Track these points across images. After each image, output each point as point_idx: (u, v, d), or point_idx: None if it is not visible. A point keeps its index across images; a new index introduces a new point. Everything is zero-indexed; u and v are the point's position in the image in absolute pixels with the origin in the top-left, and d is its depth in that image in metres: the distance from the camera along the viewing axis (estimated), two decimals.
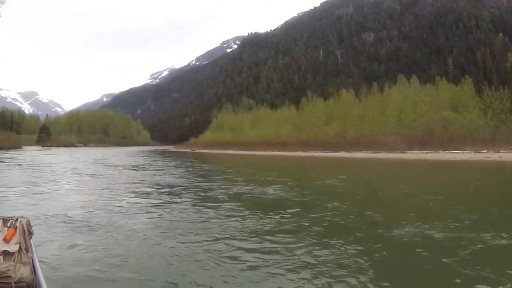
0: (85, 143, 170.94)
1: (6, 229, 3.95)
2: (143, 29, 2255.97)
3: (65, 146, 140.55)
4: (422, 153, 57.86)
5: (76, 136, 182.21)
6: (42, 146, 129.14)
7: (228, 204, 14.56)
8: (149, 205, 14.22)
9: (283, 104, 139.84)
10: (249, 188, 19.71)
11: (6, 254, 3.71)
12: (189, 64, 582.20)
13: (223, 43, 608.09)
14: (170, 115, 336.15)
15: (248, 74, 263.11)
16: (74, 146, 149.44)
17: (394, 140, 64.17)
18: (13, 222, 4.00)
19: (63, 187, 19.38)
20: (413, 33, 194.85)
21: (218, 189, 19.42)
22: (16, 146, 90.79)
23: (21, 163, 37.52)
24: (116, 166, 37.81)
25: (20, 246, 3.80)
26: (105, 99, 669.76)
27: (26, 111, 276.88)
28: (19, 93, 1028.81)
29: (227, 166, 40.86)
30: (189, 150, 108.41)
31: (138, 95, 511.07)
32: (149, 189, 19.39)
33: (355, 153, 61.92)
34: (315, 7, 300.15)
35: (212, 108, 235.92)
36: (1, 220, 4.02)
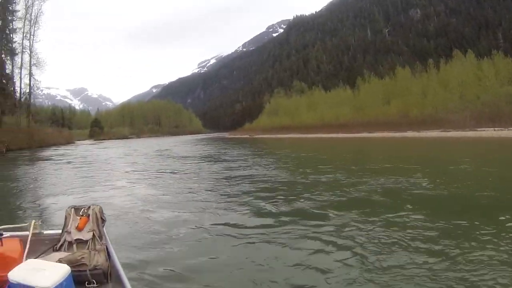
0: (138, 134, 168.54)
1: (78, 217, 4.10)
2: (187, 19, 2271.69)
3: (118, 138, 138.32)
4: (494, 130, 54.32)
5: (128, 128, 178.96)
6: (95, 140, 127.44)
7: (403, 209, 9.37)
8: (266, 212, 9.69)
9: (334, 85, 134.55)
10: (393, 180, 13.98)
11: (79, 242, 3.86)
12: (236, 51, 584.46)
13: (268, 27, 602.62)
14: (221, 102, 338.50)
15: (296, 57, 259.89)
16: (127, 138, 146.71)
17: (462, 117, 61.16)
18: (85, 210, 4.15)
19: (143, 194, 13.56)
20: (460, 8, 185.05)
21: (352, 185, 13.23)
22: (69, 142, 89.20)
23: (72, 160, 32.75)
24: (185, 157, 33.06)
25: (93, 233, 3.93)
26: (154, 90, 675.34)
27: (76, 107, 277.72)
28: (68, 90, 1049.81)
29: (311, 152, 35.05)
30: (247, 136, 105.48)
31: (187, 84, 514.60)
32: (248, 187, 13.94)
33: (424, 132, 58.43)
34: None
35: (263, 93, 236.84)
36: (73, 209, 4.19)
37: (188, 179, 17.50)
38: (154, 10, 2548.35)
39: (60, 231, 4.09)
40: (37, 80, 73.48)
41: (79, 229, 3.97)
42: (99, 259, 3.51)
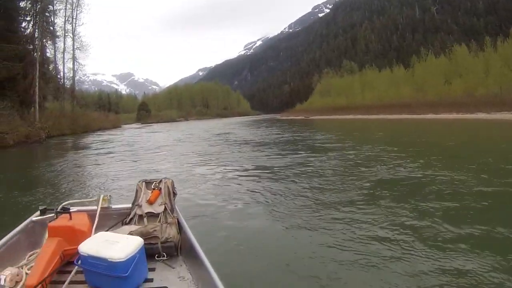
0: (186, 117, 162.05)
1: (149, 191, 4.13)
2: (231, 2, 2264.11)
3: (165, 121, 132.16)
4: None
5: (176, 110, 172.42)
6: (142, 123, 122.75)
7: None
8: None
9: (384, 65, 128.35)
10: None
11: (150, 215, 3.89)
12: (282, 32, 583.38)
13: (314, 8, 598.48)
14: (268, 84, 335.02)
15: (344, 37, 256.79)
16: (175, 120, 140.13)
17: None
18: (157, 184, 4.18)
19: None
20: None
21: None
22: (115, 126, 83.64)
23: (114, 150, 26.30)
24: (259, 144, 26.03)
25: (165, 207, 3.94)
26: (200, 73, 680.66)
27: (123, 92, 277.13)
28: (114, 75, 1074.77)
29: (404, 137, 28.78)
30: (302, 117, 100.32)
31: (233, 66, 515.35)
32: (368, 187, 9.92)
33: (494, 114, 53.31)
34: None
35: (311, 73, 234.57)
36: (144, 182, 4.24)
37: (308, 185, 10.62)
38: None
39: (128, 205, 4.16)
40: (81, 64, 70.55)
41: (151, 202, 4.02)
42: (170, 232, 3.52)
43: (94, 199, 4.15)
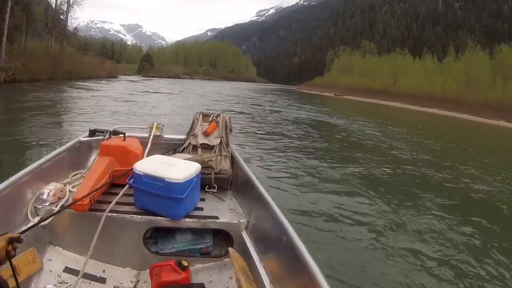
0: (191, 75, 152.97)
1: (206, 123, 4.09)
2: None
3: (169, 77, 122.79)
4: None
5: (181, 67, 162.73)
6: (143, 76, 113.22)
7: None
8: None
9: (399, 52, 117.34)
10: None
11: (204, 147, 3.85)
12: (297, 3, 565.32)
13: None
14: (277, 53, 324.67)
15: (362, 17, 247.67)
16: (179, 77, 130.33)
17: None
18: (215, 117, 4.13)
19: None
20: None
21: None
22: (111, 75, 75.67)
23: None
24: (308, 125, 21.21)
25: (221, 140, 3.91)
26: (209, 34, 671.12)
27: (129, 43, 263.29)
28: (122, 25, 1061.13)
29: None
30: (328, 94, 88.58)
31: (243, 31, 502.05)
32: None
33: None
34: None
35: (323, 49, 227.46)
36: (201, 114, 4.19)
37: None
38: None
39: (181, 137, 4.13)
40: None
41: (207, 134, 3.95)
42: (225, 165, 3.48)
43: (146, 127, 4.13)
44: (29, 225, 2.48)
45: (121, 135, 3.50)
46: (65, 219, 2.68)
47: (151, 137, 3.87)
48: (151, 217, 2.71)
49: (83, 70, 57.40)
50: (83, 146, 3.79)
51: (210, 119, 4.10)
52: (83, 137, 3.87)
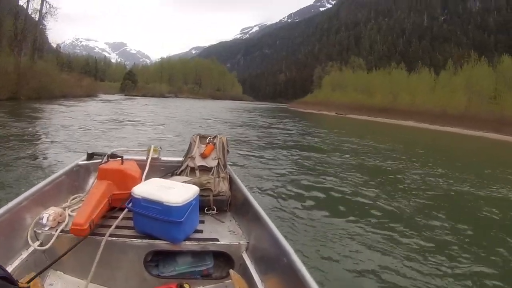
0: (176, 93, 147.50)
1: (204, 145, 4.04)
2: None
3: (153, 96, 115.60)
4: None
5: (166, 85, 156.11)
6: (125, 95, 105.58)
7: None
8: None
9: (389, 67, 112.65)
10: None
11: (202, 169, 3.80)
12: (280, 21, 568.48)
13: (316, 1, 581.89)
14: (262, 71, 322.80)
15: (347, 33, 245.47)
16: (163, 96, 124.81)
17: None
18: (212, 139, 4.10)
19: None
20: None
21: None
22: (89, 94, 68.49)
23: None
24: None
25: (218, 161, 3.87)
26: (194, 52, 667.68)
27: (113, 61, 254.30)
28: (107, 43, 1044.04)
29: None
30: (331, 113, 78.30)
31: (228, 49, 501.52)
32: None
33: None
34: None
35: (308, 65, 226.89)
36: (198, 136, 4.15)
37: None
38: None
39: (178, 159, 4.12)
40: (54, 7, 52.67)
41: (204, 156, 3.92)
42: (223, 187, 3.43)
43: (144, 149, 4.12)
44: (29, 250, 2.56)
45: (118, 159, 3.46)
46: (65, 244, 2.63)
47: (149, 160, 3.85)
48: (151, 241, 2.72)
49: (56, 88, 50.06)
50: (81, 169, 3.79)
51: (207, 141, 4.07)
52: (81, 160, 3.86)
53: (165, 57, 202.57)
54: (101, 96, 73.23)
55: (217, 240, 2.79)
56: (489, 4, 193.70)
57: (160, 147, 4.13)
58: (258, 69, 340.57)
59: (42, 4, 51.25)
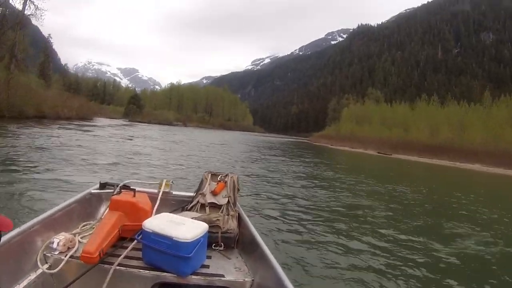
0: (185, 122, 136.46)
1: (215, 183, 4.03)
2: (246, 15, 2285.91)
3: (159, 123, 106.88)
4: None
5: (174, 112, 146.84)
6: (129, 121, 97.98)
7: None
8: None
9: (404, 100, 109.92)
10: None
11: (212, 206, 3.80)
12: (292, 53, 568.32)
13: (327, 34, 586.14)
14: (273, 102, 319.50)
15: (360, 66, 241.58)
16: (171, 124, 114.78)
17: None
18: (223, 177, 4.08)
19: None
20: None
21: None
22: (83, 117, 59.20)
23: None
24: None
25: (228, 199, 3.87)
26: (205, 81, 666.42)
27: (123, 86, 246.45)
28: (119, 68, 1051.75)
29: None
30: (371, 152, 67.86)
31: (239, 79, 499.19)
32: None
33: None
34: (428, 2, 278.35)
35: (321, 98, 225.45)
36: (210, 174, 4.13)
37: None
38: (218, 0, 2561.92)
39: (189, 194, 4.11)
40: (40, 9, 45.31)
41: (215, 193, 3.90)
42: (231, 224, 3.47)
43: (156, 182, 4.14)
44: (38, 272, 2.59)
45: (131, 191, 3.46)
46: (74, 269, 2.68)
47: (160, 194, 3.87)
48: (158, 273, 2.71)
49: (32, 107, 41.18)
50: (93, 198, 3.82)
51: (219, 179, 4.03)
52: (94, 189, 3.87)
53: (175, 83, 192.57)
54: (98, 121, 64.41)
55: (223, 276, 2.82)
56: (503, 35, 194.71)
57: (172, 182, 4.12)
58: (269, 101, 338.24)
59: (24, 4, 43.91)
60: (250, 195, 10.99)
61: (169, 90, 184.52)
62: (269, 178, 16.03)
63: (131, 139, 29.48)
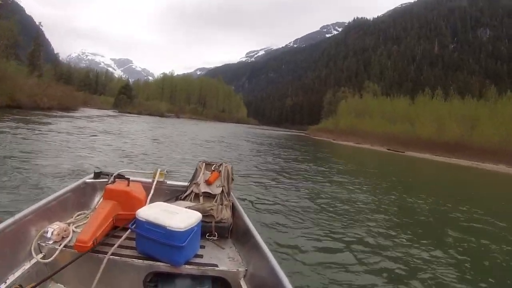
0: (178, 113, 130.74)
1: (209, 172, 4.02)
2: (241, 7, 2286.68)
3: (150, 114, 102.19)
4: None
5: (166, 103, 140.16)
6: (119, 111, 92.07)
7: None
8: None
9: (400, 94, 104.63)
10: None
11: (206, 195, 3.78)
12: (286, 46, 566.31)
13: (322, 27, 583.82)
14: (267, 94, 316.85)
15: (355, 59, 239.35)
16: (162, 115, 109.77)
17: None
18: (217, 167, 4.08)
19: None
20: None
21: None
22: (65, 107, 52.85)
23: None
24: None
25: (222, 189, 3.86)
26: (198, 73, 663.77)
27: (117, 76, 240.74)
28: (113, 59, 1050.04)
29: None
30: (380, 149, 60.65)
31: (233, 71, 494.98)
32: None
33: None
34: None
35: (315, 90, 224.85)
36: (204, 163, 4.12)
37: None
38: None
39: (183, 183, 4.11)
40: None
41: (209, 182, 3.90)
42: (225, 214, 3.45)
43: (150, 172, 4.09)
44: (32, 262, 2.60)
45: (125, 180, 3.43)
46: (68, 258, 2.63)
47: (154, 183, 3.82)
48: (152, 262, 2.71)
49: (3, 96, 36.88)
50: (87, 187, 3.79)
51: (213, 168, 4.04)
52: (88, 178, 3.86)
53: (167, 73, 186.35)
54: (82, 111, 58.30)
55: (216, 265, 2.83)
56: (500, 32, 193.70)
57: (167, 171, 4.08)
58: (263, 93, 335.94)
59: None
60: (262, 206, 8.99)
61: (161, 81, 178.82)
62: (276, 182, 12.84)
63: (94, 136, 22.57)
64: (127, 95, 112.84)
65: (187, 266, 2.68)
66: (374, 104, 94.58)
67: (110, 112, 77.30)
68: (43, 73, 65.91)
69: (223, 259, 2.90)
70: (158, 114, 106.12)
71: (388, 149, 59.42)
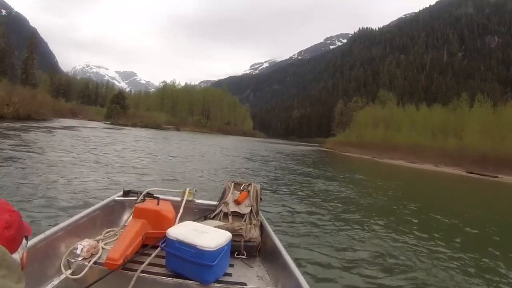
0: (178, 126, 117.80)
1: (238, 192, 3.99)
2: (245, 20, 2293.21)
3: (146, 126, 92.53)
4: None
5: (166, 114, 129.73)
6: (111, 123, 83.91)
7: None
8: None
9: (413, 103, 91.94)
10: None
11: (235, 215, 3.75)
12: (291, 57, 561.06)
13: (326, 39, 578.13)
14: (273, 106, 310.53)
15: (363, 69, 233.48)
16: (160, 127, 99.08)
17: None
18: (246, 186, 4.03)
19: None
20: None
21: None
22: (37, 116, 46.18)
23: None
24: None
25: (251, 209, 3.80)
26: (203, 85, 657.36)
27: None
28: (117, 72, 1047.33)
29: None
30: (436, 168, 45.16)
31: (237, 83, 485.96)
32: None
33: None
34: (430, 6, 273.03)
35: (322, 101, 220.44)
36: (233, 183, 4.10)
37: None
38: (217, 4, 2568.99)
39: (212, 202, 4.07)
40: None
41: (238, 202, 3.85)
42: (254, 233, 3.41)
43: (179, 190, 4.08)
44: (61, 277, 2.60)
45: (154, 199, 3.44)
46: (97, 275, 2.64)
47: (183, 202, 3.82)
48: (182, 280, 2.68)
49: None
50: (117, 205, 3.81)
51: (242, 188, 3.99)
52: (117, 196, 3.88)
53: (168, 82, 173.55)
54: (60, 122, 49.56)
55: (245, 284, 2.78)
56: (509, 38, 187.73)
57: (195, 190, 4.08)
58: (268, 105, 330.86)
59: None
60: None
61: (162, 90, 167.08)
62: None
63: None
64: (120, 104, 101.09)
65: (216, 285, 2.67)
66: (400, 113, 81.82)
67: (97, 124, 67.61)
68: (37, 82, 63.93)
69: (252, 278, 2.88)
70: (156, 127, 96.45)
71: (469, 172, 42.25)
